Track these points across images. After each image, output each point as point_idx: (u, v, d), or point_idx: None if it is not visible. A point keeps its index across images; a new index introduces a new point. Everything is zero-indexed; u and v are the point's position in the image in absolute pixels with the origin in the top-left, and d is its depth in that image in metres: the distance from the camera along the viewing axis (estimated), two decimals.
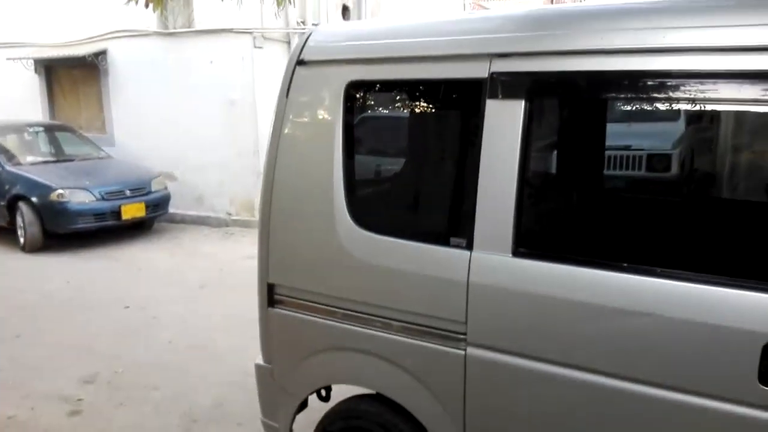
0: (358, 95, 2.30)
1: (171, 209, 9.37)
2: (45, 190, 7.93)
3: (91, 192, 8.08)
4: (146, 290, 6.37)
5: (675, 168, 2.10)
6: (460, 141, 2.15)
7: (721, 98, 1.76)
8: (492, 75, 2.00)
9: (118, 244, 8.41)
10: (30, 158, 8.83)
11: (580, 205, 2.08)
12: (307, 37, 2.43)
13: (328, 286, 2.37)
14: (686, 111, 2.02)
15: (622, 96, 1.93)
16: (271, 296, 2.53)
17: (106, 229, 8.37)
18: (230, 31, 8.99)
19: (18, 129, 9.33)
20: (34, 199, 7.92)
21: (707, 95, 1.75)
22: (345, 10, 10.37)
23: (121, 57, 10.05)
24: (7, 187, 8.18)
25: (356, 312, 2.30)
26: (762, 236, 1.79)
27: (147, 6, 4.36)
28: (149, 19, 9.42)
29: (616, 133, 2.06)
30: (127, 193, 8.41)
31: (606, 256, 1.90)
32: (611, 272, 1.83)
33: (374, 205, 2.39)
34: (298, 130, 2.42)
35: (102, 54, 10.03)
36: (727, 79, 1.69)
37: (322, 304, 2.39)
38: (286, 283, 2.49)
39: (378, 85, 2.30)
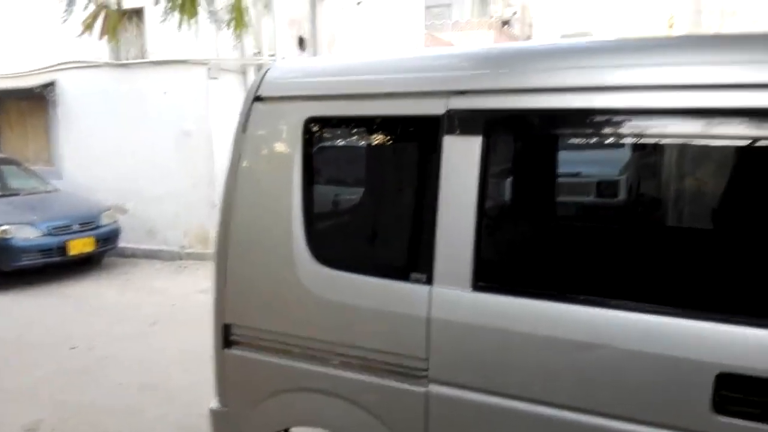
0: (316, 131, 2.29)
1: (122, 243, 9.12)
2: None
3: (36, 227, 7.80)
4: (95, 328, 6.14)
5: (623, 195, 2.16)
6: (418, 176, 2.17)
7: (662, 133, 1.84)
8: (449, 112, 2.03)
9: (67, 280, 8.11)
10: None
11: (535, 237, 2.11)
12: (264, 74, 2.42)
13: (287, 324, 2.33)
14: (632, 144, 2.09)
15: (574, 131, 1.98)
16: (227, 337, 2.47)
17: (54, 265, 8.07)
18: (184, 62, 8.92)
19: None
20: None
21: (650, 130, 1.82)
22: (301, 41, 10.43)
23: (71, 88, 9.83)
24: None
25: (315, 350, 2.26)
26: (712, 265, 1.84)
27: (101, 38, 4.28)
28: (101, 49, 9.28)
29: (569, 166, 2.11)
30: (75, 227, 8.14)
31: (562, 289, 1.93)
32: (567, 305, 1.86)
33: (333, 240, 2.37)
34: (256, 165, 2.39)
35: (51, 85, 9.80)
36: (665, 115, 1.77)
37: (281, 344, 2.34)
38: (243, 323, 2.43)
39: (336, 121, 2.30)
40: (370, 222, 2.35)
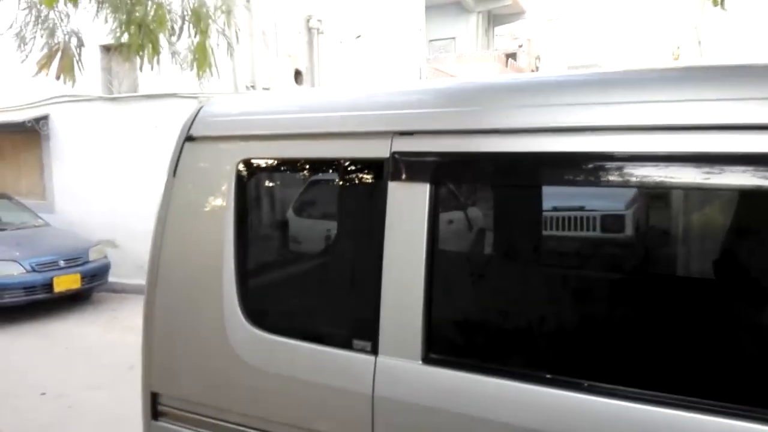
0: (251, 175, 2.03)
1: (111, 278, 8.85)
2: None
3: (20, 264, 7.56)
4: (69, 373, 5.83)
5: (604, 257, 1.85)
6: (361, 228, 1.89)
7: (651, 181, 1.55)
8: (394, 155, 1.76)
9: (51, 318, 7.83)
10: None
11: (496, 301, 1.81)
12: (198, 111, 2.17)
13: (218, 396, 2.03)
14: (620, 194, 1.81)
15: (539, 179, 1.69)
16: (155, 407, 2.17)
17: (40, 303, 7.81)
18: (175, 95, 8.77)
19: None
20: None
21: (638, 177, 1.53)
22: (297, 74, 10.30)
23: (63, 122, 9.72)
24: None
25: (250, 428, 1.96)
26: (692, 346, 1.54)
27: (58, 78, 4.10)
28: (94, 83, 9.18)
29: (533, 220, 1.81)
30: (61, 263, 7.90)
31: (531, 365, 1.63)
32: (537, 386, 1.55)
33: (269, 299, 2.08)
34: (185, 214, 2.12)
35: (43, 119, 9.69)
36: (627, 160, 1.49)
37: (212, 418, 2.04)
38: (172, 393, 2.14)
39: (273, 164, 2.03)
40: (309, 279, 2.07)
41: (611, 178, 1.51)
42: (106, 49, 8.97)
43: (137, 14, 3.60)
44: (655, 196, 1.67)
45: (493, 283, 1.81)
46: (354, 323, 1.84)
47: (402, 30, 13.89)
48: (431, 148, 1.73)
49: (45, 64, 3.95)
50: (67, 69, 3.98)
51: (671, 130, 1.44)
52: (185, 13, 4.21)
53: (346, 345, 1.81)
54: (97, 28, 4.48)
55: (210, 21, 4.39)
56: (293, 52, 10.08)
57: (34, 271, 7.64)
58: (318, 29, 10.47)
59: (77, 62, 4.06)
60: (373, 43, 12.29)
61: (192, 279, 2.08)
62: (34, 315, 7.79)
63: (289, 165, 2.00)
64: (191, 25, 4.26)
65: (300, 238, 2.10)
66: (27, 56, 3.85)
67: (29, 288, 7.59)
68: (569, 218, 1.87)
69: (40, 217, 9.19)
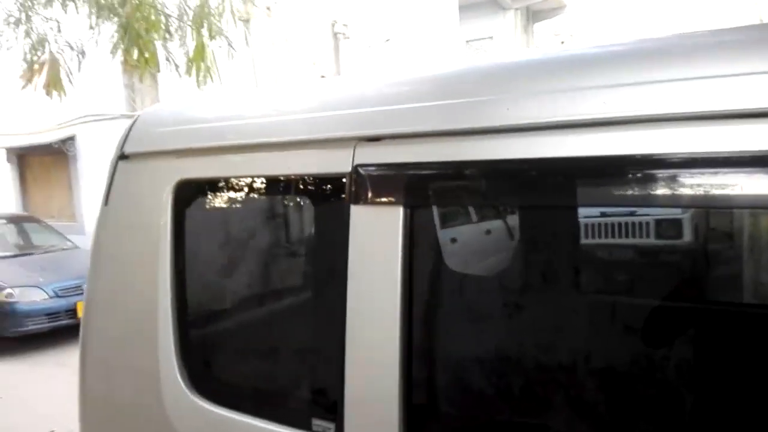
0: (190, 201, 1.59)
1: None
2: None
3: (43, 290, 7.38)
4: None
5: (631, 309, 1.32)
6: (319, 270, 1.42)
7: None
8: (356, 169, 1.29)
9: (72, 345, 7.60)
10: None
11: (491, 364, 1.30)
12: (133, 123, 1.75)
13: None
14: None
15: (553, 196, 1.19)
16: None
17: (64, 329, 7.61)
18: None
19: None
20: None
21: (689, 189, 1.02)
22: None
23: (88, 142, 9.62)
24: None
25: None
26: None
27: (50, 95, 3.81)
28: (118, 102, 9.03)
29: (545, 252, 1.30)
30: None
31: None
32: None
33: (213, 359, 1.63)
34: (117, 248, 1.71)
35: (70, 140, 9.62)
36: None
37: None
38: None
39: (216, 186, 1.59)
40: (260, 335, 1.61)
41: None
42: (135, 66, 8.81)
43: (122, 17, 3.27)
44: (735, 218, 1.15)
45: (504, 340, 1.31)
46: (313, 396, 1.38)
47: (434, 31, 13.42)
48: (406, 157, 1.25)
49: (30, 77, 3.67)
50: (54, 81, 3.68)
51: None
52: (183, 14, 3.86)
53: (305, 426, 1.35)
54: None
55: (213, 22, 4.03)
56: (318, 58, 9.73)
57: (57, 296, 7.44)
58: (343, 34, 10.11)
59: (68, 74, 3.76)
60: (403, 46, 11.86)
61: (125, 332, 1.66)
62: (57, 341, 7.58)
63: (236, 186, 1.55)
64: (191, 28, 3.92)
65: (248, 281, 1.65)
66: None
67: (52, 314, 7.39)
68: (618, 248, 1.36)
69: (69, 240, 9.06)
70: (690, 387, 1.09)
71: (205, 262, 1.65)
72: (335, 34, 10.16)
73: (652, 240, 1.28)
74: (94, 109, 9.34)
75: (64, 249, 8.79)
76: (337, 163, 1.32)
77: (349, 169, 1.30)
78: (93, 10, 3.59)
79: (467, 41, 20.70)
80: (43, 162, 10.43)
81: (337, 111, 1.35)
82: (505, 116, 1.15)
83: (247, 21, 8.51)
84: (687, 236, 1.30)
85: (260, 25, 8.83)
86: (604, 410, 1.16)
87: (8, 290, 7.23)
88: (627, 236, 1.32)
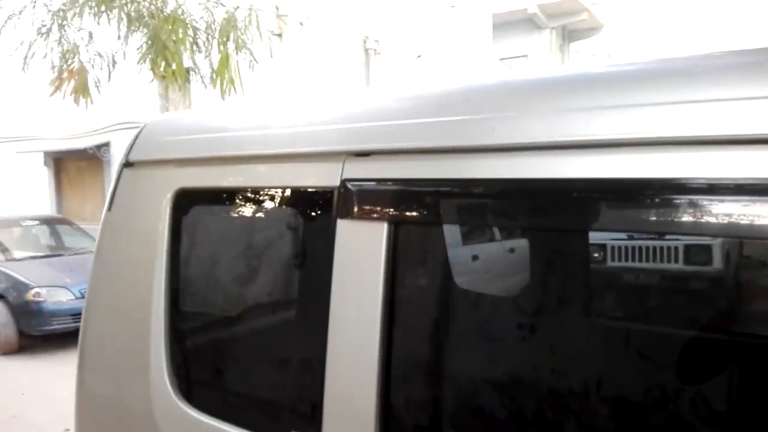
0: (188, 210, 1.62)
1: None
2: (22, 288, 7.44)
3: (70, 290, 7.54)
4: None
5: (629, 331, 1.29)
6: (306, 284, 1.43)
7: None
8: (344, 183, 1.30)
9: None
10: (18, 254, 8.45)
11: (477, 383, 1.28)
12: (140, 131, 1.79)
13: None
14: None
15: (549, 217, 1.17)
16: None
17: None
18: None
19: (12, 223, 9.05)
20: (10, 298, 7.43)
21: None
22: None
23: (123, 148, 9.84)
24: None
25: None
26: None
27: (77, 101, 3.93)
28: (152, 110, 9.24)
29: (538, 274, 1.28)
30: None
31: None
32: None
33: (200, 367, 1.65)
34: (116, 255, 1.74)
35: (105, 146, 9.87)
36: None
37: None
38: None
39: (212, 195, 1.61)
40: (247, 345, 1.62)
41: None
42: (162, 76, 9.03)
43: (150, 29, 3.36)
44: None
45: (483, 356, 1.29)
46: (294, 408, 1.38)
47: (467, 48, 13.43)
48: (392, 173, 1.26)
49: (58, 85, 3.79)
50: (81, 89, 3.79)
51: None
52: (209, 27, 3.95)
53: None
54: None
55: (239, 36, 4.11)
56: (348, 73, 9.82)
57: (83, 297, 7.59)
58: (375, 50, 10.19)
59: (96, 83, 3.87)
60: (435, 62, 11.89)
61: (120, 335, 1.69)
62: None
63: (229, 196, 1.58)
64: (217, 41, 4.01)
65: (237, 291, 1.66)
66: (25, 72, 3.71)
67: (77, 315, 7.53)
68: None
69: None
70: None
71: (198, 271, 1.67)
72: (366, 50, 10.26)
73: (616, 263, 1.25)
74: (129, 117, 9.57)
75: (93, 251, 8.98)
76: (327, 176, 1.33)
77: (337, 183, 1.31)
78: (123, 22, 3.70)
79: (501, 59, 20.64)
80: (79, 166, 10.71)
81: (328, 125, 1.36)
82: (491, 135, 1.14)
83: (279, 35, 8.67)
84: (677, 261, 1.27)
85: (292, 40, 8.97)
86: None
87: (36, 290, 7.42)
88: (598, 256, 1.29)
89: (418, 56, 11.59)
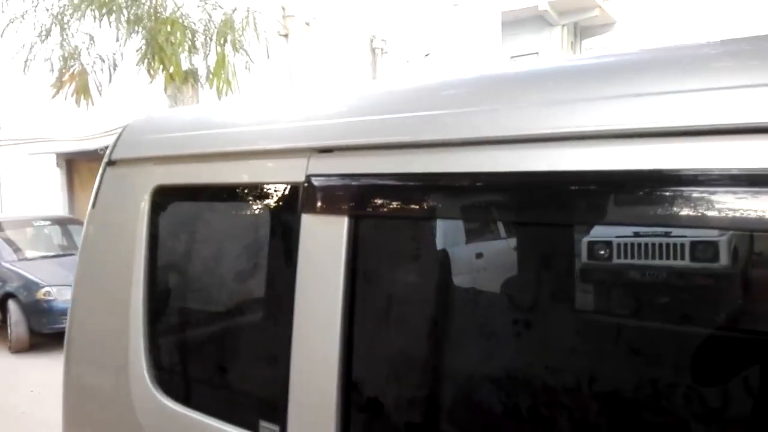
0: (165, 207, 1.66)
1: None
2: (33, 287, 7.57)
3: None
4: None
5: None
6: (273, 279, 1.46)
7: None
8: (309, 178, 1.33)
9: None
10: (30, 253, 8.60)
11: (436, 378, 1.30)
12: (123, 130, 1.84)
13: None
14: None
15: (512, 212, 1.19)
16: None
17: None
18: None
19: (24, 224, 9.20)
20: (21, 297, 7.56)
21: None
22: None
23: None
24: (0, 283, 7.90)
25: None
26: None
27: (78, 103, 4.01)
28: (160, 109, 9.35)
29: (499, 271, 1.31)
30: None
31: None
32: None
33: (176, 359, 1.69)
34: (99, 251, 1.79)
35: None
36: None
37: None
38: None
39: (188, 192, 1.65)
40: (220, 339, 1.65)
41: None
42: (171, 77, 9.13)
43: (147, 31, 3.43)
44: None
45: (441, 346, 1.32)
46: (262, 400, 1.41)
47: (476, 47, 13.41)
48: (353, 168, 1.29)
49: (59, 87, 3.87)
50: (81, 90, 3.87)
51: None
52: (207, 30, 4.01)
53: (253, 427, 1.39)
54: None
55: (236, 38, 4.17)
56: (355, 73, 9.86)
57: None
58: (382, 49, 10.22)
59: (97, 85, 3.95)
60: (444, 61, 11.89)
61: (102, 328, 1.74)
62: None
63: (205, 193, 1.62)
64: (215, 42, 4.06)
65: (210, 285, 1.70)
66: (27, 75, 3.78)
67: None
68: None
69: None
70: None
71: (174, 267, 1.71)
72: (373, 49, 10.29)
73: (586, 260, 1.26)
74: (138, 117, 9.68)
75: None
76: (293, 172, 1.36)
77: (302, 178, 1.34)
78: (121, 25, 3.77)
79: (512, 57, 20.55)
80: (90, 167, 10.85)
81: (294, 123, 1.40)
82: (443, 131, 1.17)
83: (286, 36, 8.73)
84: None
85: (299, 40, 9.02)
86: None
87: (47, 288, 7.54)
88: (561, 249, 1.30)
89: (426, 55, 11.60)
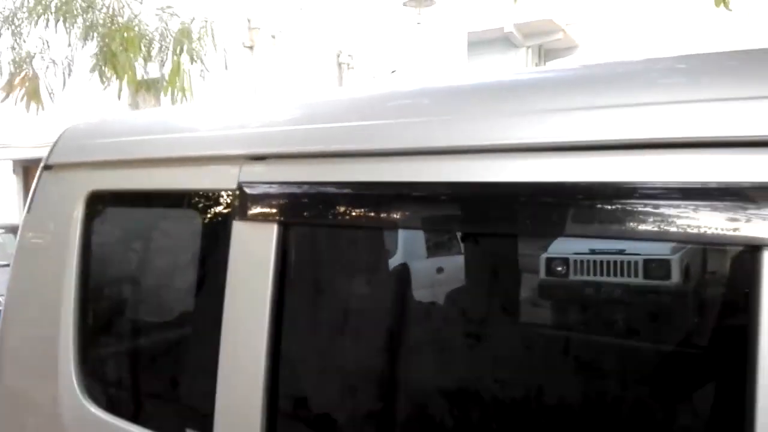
0: (99, 213, 1.64)
1: None
2: None
3: None
4: None
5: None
6: (203, 285, 1.46)
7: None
8: (241, 186, 1.34)
9: None
10: None
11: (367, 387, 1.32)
12: (60, 135, 1.82)
13: None
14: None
15: (443, 221, 1.22)
16: None
17: None
18: None
19: None
20: None
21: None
22: None
23: None
24: None
25: None
26: None
27: (28, 107, 3.94)
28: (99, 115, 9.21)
29: (428, 283, 1.33)
30: None
31: None
32: None
33: (105, 367, 1.67)
34: (32, 257, 1.76)
35: None
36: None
37: None
38: None
39: (121, 198, 1.64)
40: (145, 347, 1.64)
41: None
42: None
43: (99, 38, 3.39)
44: None
45: (368, 354, 1.33)
46: (190, 407, 1.40)
47: (442, 65, 13.59)
48: (283, 176, 1.30)
49: (9, 90, 3.79)
50: (32, 95, 3.80)
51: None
52: (163, 38, 3.98)
53: None
54: None
55: (192, 48, 4.15)
56: (321, 86, 9.89)
57: None
58: (348, 65, 10.27)
59: (48, 90, 3.88)
60: (410, 78, 12.00)
61: (33, 334, 1.70)
62: None
63: (138, 199, 1.61)
64: (170, 50, 4.04)
65: (140, 293, 1.68)
66: None
67: None
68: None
69: None
70: None
71: (105, 274, 1.69)
72: (340, 64, 10.34)
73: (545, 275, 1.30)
74: None
75: None
76: (226, 180, 1.36)
77: (234, 186, 1.34)
78: (74, 30, 3.72)
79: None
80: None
81: (228, 130, 1.40)
82: (374, 140, 1.19)
83: (251, 47, 8.72)
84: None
85: (264, 52, 9.02)
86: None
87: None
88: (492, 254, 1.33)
89: (393, 71, 11.70)
